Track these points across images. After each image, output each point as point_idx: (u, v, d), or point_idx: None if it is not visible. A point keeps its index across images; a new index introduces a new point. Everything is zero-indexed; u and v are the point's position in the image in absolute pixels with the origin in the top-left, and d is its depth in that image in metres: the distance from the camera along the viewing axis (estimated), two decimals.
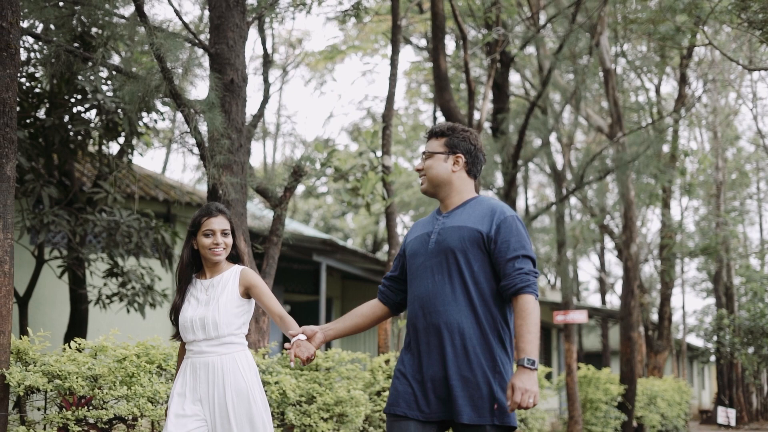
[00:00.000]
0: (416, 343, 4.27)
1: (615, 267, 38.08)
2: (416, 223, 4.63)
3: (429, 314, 4.22)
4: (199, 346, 4.77)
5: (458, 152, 4.38)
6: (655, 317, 27.74)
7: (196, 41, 8.37)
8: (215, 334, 4.74)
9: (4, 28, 5.56)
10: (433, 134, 4.47)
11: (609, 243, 29.03)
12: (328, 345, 18.70)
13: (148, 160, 70.11)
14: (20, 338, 6.19)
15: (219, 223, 4.86)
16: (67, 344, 6.45)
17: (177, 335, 4.94)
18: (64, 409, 6.06)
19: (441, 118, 19.23)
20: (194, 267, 4.98)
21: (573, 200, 24.84)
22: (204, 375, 4.73)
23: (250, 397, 4.70)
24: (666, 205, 24.57)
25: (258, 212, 17.40)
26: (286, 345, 4.45)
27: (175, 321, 4.91)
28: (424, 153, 4.47)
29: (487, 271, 4.19)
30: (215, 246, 4.84)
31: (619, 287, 33.58)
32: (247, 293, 4.87)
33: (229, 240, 4.91)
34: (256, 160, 34.29)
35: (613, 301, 35.85)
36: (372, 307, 4.63)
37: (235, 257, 5.03)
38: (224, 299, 4.79)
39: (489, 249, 4.18)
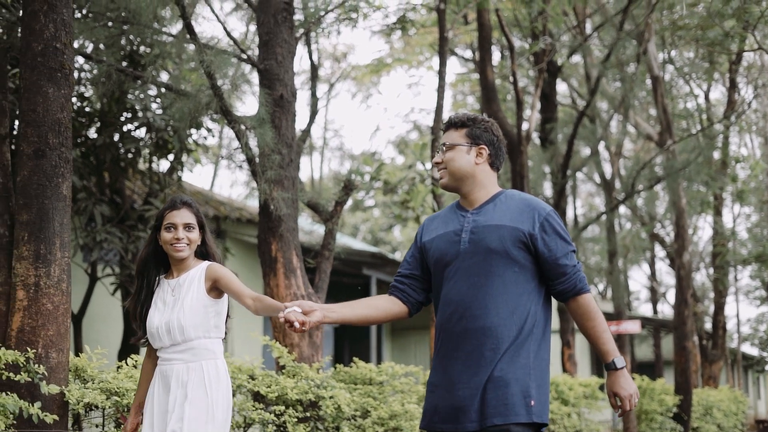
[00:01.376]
0: (450, 350, 4.03)
1: (666, 276, 37.65)
2: (430, 219, 4.37)
3: (465, 319, 3.98)
4: (167, 353, 4.43)
5: (481, 143, 4.14)
6: (708, 326, 27.37)
7: (246, 57, 8.41)
8: (181, 339, 4.39)
9: (59, 49, 5.61)
10: (453, 125, 4.21)
11: (660, 252, 28.74)
12: (380, 359, 18.68)
13: (195, 176, 70.68)
14: (77, 356, 6.23)
15: (182, 216, 4.48)
16: (123, 361, 6.48)
17: (142, 339, 4.61)
18: (121, 426, 6.09)
19: None
20: (159, 266, 4.61)
21: (622, 209, 24.63)
22: (174, 384, 4.38)
23: (208, 414, 4.30)
24: (718, 213, 24.26)
25: (307, 227, 17.42)
26: (280, 314, 3.96)
27: (140, 326, 4.58)
28: (444, 145, 4.20)
29: (526, 272, 3.99)
30: (176, 241, 4.46)
31: (670, 296, 33.19)
32: (217, 290, 4.50)
33: (194, 235, 4.52)
34: (303, 175, 34.43)
35: (665, 310, 35.48)
36: (390, 302, 4.29)
37: (205, 255, 4.63)
38: (189, 299, 4.43)
39: (533, 248, 3.98)
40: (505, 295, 3.95)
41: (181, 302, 4.42)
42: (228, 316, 4.73)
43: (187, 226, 4.50)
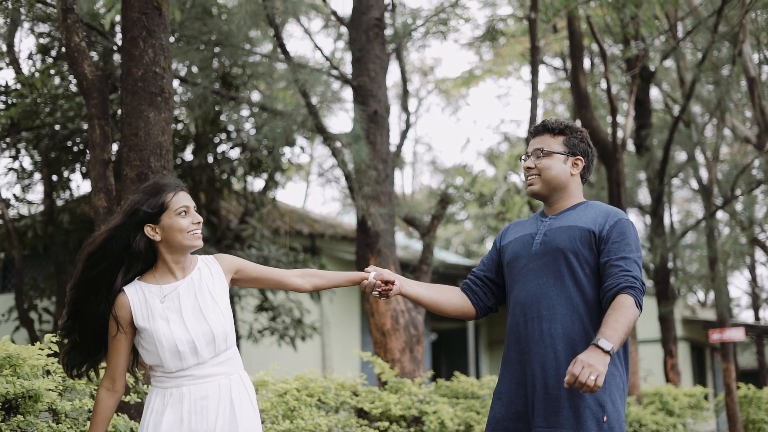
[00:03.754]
0: (517, 354, 3.89)
1: None
2: (514, 224, 4.26)
3: (532, 320, 3.84)
4: (203, 368, 3.62)
5: (578, 154, 4.04)
6: None
7: (339, 75, 8.44)
8: (224, 347, 3.66)
9: (158, 73, 5.69)
10: (550, 130, 4.06)
11: (761, 257, 28.03)
12: (478, 372, 18.57)
13: (288, 194, 71.48)
14: None
15: (188, 197, 3.76)
16: None
17: (150, 366, 3.70)
18: None
19: None
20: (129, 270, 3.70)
21: (720, 214, 24.10)
22: (215, 403, 3.61)
23: (259, 428, 3.72)
24: None
25: (401, 242, 17.46)
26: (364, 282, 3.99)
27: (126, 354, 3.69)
28: (540, 150, 4.03)
29: (596, 275, 3.81)
30: (197, 227, 3.69)
31: None
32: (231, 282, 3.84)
33: None
34: (395, 189, 34.50)
35: (767, 317, 34.59)
36: (461, 298, 4.18)
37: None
38: (220, 299, 3.71)
39: (599, 250, 3.82)
40: (577, 297, 3.81)
41: (211, 305, 3.67)
42: None
43: (195, 209, 3.77)
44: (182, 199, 3.67)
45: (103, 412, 3.66)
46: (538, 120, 10.64)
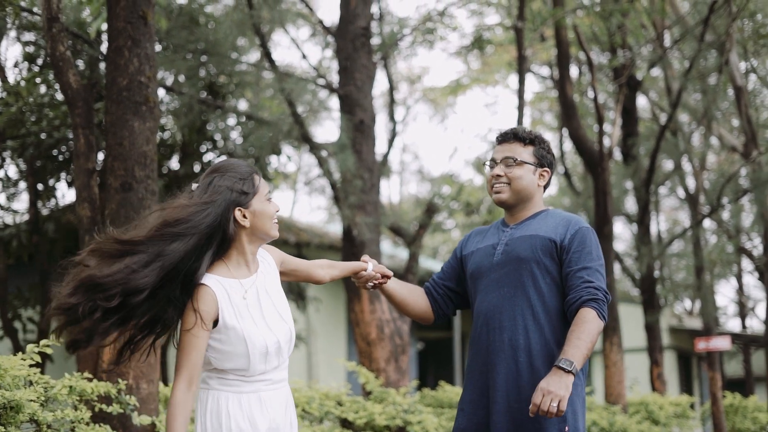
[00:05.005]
0: (479, 364, 3.87)
1: (754, 290, 36.81)
2: (475, 232, 4.23)
3: (494, 330, 3.82)
4: (279, 372, 3.34)
5: (545, 165, 4.03)
6: None
7: (325, 84, 8.44)
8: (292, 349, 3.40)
9: (143, 83, 5.68)
10: (521, 139, 4.02)
11: (747, 265, 28.09)
12: None
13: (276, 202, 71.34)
14: (166, 385, 6.26)
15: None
16: None
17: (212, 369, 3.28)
18: None
19: (569, 147, 18.99)
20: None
21: (707, 223, 24.17)
22: (283, 410, 3.34)
23: None
24: None
25: (388, 251, 17.44)
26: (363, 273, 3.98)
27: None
28: (512, 159, 3.98)
29: (557, 284, 3.80)
30: (277, 213, 3.39)
31: (760, 311, 32.43)
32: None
33: None
34: (382, 198, 34.47)
35: (754, 325, 34.65)
36: (425, 302, 4.18)
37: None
38: (283, 297, 3.42)
39: (560, 259, 3.81)
40: (539, 308, 3.79)
41: (284, 301, 3.39)
42: None
43: None
44: (265, 184, 3.34)
45: (187, 414, 3.13)
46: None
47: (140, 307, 3.12)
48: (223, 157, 11.14)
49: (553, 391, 3.46)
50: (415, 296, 4.19)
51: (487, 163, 4.13)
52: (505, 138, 4.07)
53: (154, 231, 3.11)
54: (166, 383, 6.49)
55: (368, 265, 3.99)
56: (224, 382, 3.24)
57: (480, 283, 3.96)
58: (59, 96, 9.80)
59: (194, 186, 3.31)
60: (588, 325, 3.62)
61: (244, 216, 3.23)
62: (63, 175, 10.67)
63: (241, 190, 3.22)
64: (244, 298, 3.23)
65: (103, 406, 5.06)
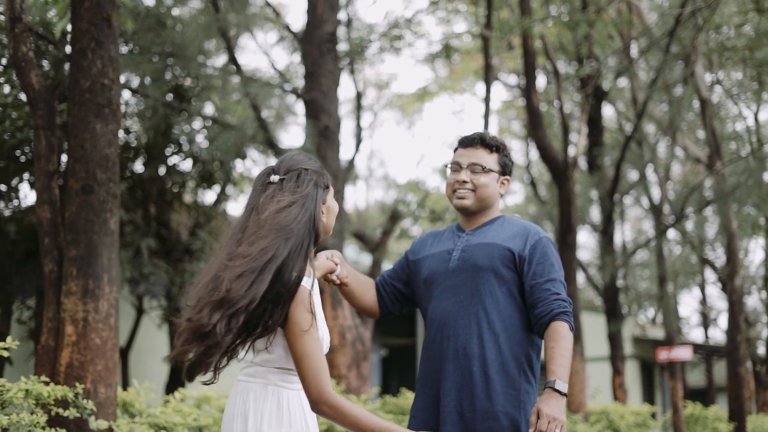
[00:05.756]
0: (432, 372, 3.81)
1: (717, 300, 37.11)
2: (428, 235, 4.17)
3: (448, 338, 3.76)
4: None
5: (507, 174, 4.01)
6: (762, 351, 26.89)
7: (291, 89, 8.43)
8: None
9: (106, 85, 5.63)
10: (488, 146, 3.98)
11: (711, 276, 28.33)
12: None
13: (238, 207, 71.06)
14: (125, 390, 6.22)
15: None
16: (171, 395, 6.46)
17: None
18: None
19: (535, 156, 19.07)
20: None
21: (672, 233, 24.35)
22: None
23: None
24: None
25: (353, 257, 17.41)
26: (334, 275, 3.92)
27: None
28: (479, 166, 3.94)
29: (513, 294, 3.77)
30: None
31: (722, 321, 32.70)
32: None
33: None
34: (348, 204, 34.41)
35: (716, 336, 34.93)
36: (373, 298, 4.10)
37: None
38: None
39: (520, 270, 3.78)
40: (494, 316, 3.75)
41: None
42: None
43: None
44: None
45: (358, 407, 2.96)
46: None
47: (255, 314, 2.93)
48: (189, 161, 11.09)
49: (558, 417, 3.45)
50: (363, 291, 4.09)
51: (450, 166, 4.08)
52: (471, 143, 4.02)
53: (272, 234, 2.92)
54: (125, 387, 6.43)
55: (338, 268, 3.92)
56: (287, 379, 3.09)
57: (434, 289, 3.89)
58: (23, 96, 9.72)
59: (274, 178, 3.08)
60: (565, 340, 3.62)
61: (322, 212, 3.07)
62: (26, 176, 10.58)
63: (325, 184, 3.09)
64: (317, 295, 3.11)
65: (60, 410, 5.01)
